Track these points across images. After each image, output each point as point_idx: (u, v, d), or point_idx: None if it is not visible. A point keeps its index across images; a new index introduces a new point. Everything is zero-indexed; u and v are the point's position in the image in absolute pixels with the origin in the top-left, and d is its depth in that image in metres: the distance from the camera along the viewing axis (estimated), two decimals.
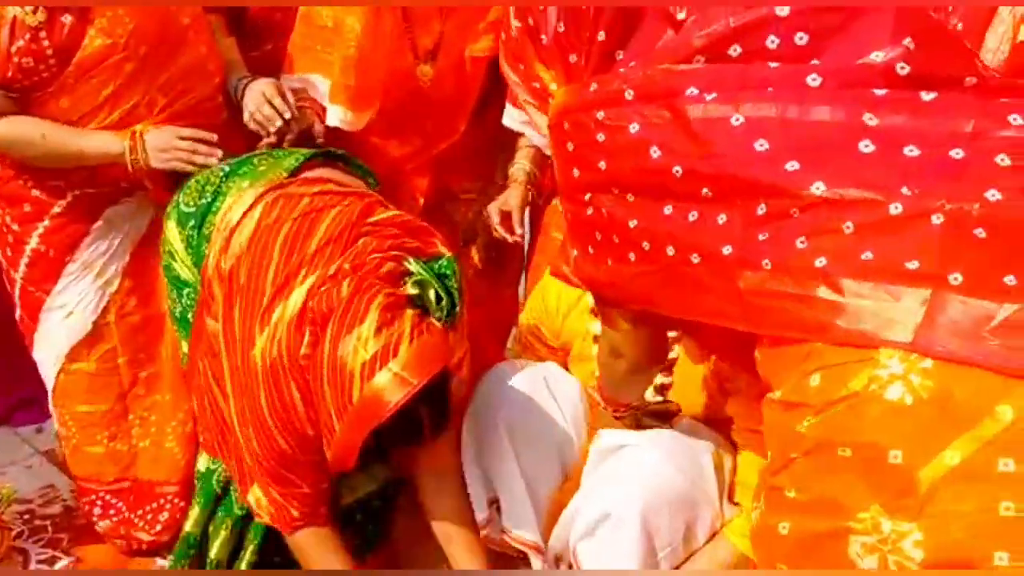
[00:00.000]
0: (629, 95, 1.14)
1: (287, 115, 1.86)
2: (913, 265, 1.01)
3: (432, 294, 1.41)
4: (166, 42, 1.79)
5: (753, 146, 1.08)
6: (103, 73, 1.74)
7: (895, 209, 1.02)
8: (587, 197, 1.23)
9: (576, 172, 1.23)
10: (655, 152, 1.13)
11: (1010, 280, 0.98)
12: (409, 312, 1.36)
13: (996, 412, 0.95)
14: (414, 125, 2.03)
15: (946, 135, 1.04)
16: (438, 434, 1.48)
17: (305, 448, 1.46)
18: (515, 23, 1.27)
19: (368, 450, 1.43)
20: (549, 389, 1.71)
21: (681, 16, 1.11)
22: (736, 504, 1.51)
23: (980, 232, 1.00)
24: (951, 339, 0.98)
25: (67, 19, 1.69)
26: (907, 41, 1.05)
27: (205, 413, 1.64)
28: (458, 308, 1.45)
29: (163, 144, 1.78)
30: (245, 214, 1.55)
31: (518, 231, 1.97)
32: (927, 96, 1.05)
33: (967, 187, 1.01)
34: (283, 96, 1.87)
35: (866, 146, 1.05)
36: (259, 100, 1.86)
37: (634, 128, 1.14)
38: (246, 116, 1.88)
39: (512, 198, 1.98)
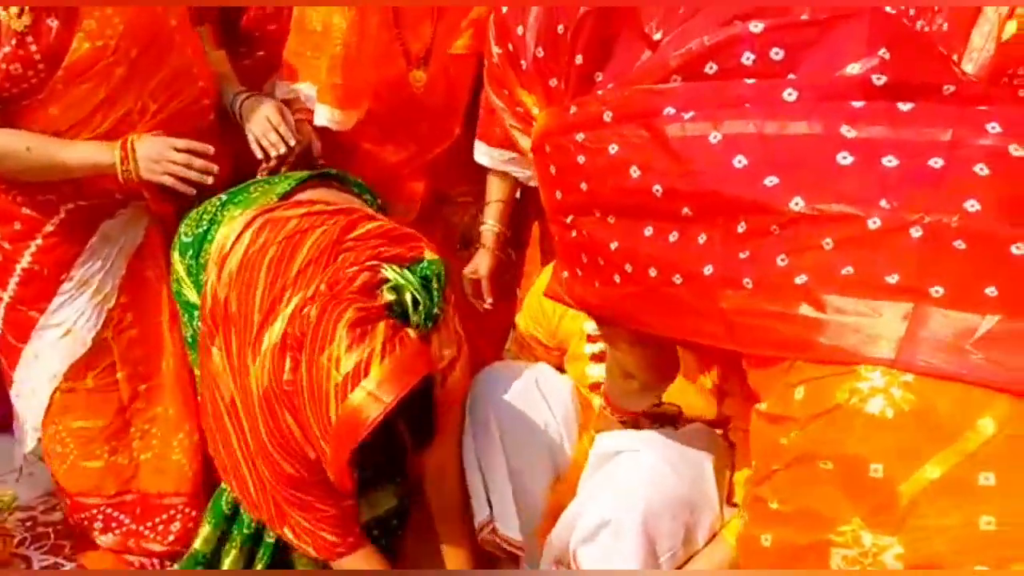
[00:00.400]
0: (608, 116, 1.15)
1: (291, 143, 1.86)
2: (893, 279, 1.00)
3: (408, 298, 1.37)
4: (156, 44, 1.71)
5: (732, 162, 1.08)
6: (93, 78, 1.66)
7: (873, 224, 1.02)
8: (569, 220, 1.23)
9: (559, 194, 1.24)
10: (635, 172, 1.13)
11: (991, 291, 0.97)
12: (381, 325, 1.32)
13: (977, 426, 0.95)
14: (408, 130, 2.02)
15: (924, 145, 1.03)
16: (425, 441, 1.47)
17: (312, 470, 1.44)
18: (496, 50, 1.28)
19: (387, 467, 1.43)
20: (540, 390, 1.71)
21: (657, 37, 1.12)
22: (735, 505, 1.50)
23: (959, 244, 0.99)
24: (934, 354, 0.97)
25: (53, 23, 1.61)
26: (882, 51, 1.05)
27: (216, 445, 1.62)
28: (437, 310, 1.40)
29: (155, 155, 1.68)
30: (236, 240, 1.52)
31: (487, 300, 1.96)
32: (904, 106, 1.05)
33: (946, 198, 1.01)
34: (287, 121, 1.87)
35: (844, 158, 1.05)
36: (264, 126, 1.86)
37: (613, 149, 1.15)
38: (250, 139, 1.88)
39: (481, 266, 1.97)
